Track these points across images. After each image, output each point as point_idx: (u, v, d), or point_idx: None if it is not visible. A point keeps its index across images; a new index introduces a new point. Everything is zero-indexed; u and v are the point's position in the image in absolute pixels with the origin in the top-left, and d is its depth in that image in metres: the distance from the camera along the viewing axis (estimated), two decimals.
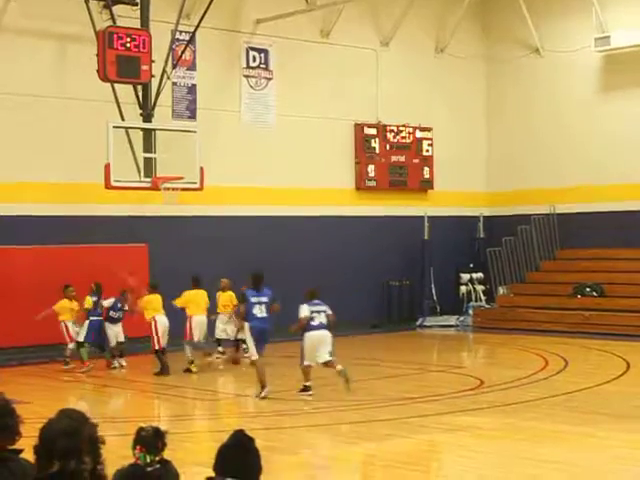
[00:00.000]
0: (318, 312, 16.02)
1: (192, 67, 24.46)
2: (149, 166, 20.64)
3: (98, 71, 19.74)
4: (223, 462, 5.11)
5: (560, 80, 28.35)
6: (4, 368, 19.57)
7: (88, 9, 20.75)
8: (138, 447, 5.86)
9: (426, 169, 28.66)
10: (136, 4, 21.21)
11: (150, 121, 21.01)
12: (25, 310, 20.24)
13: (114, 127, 19.72)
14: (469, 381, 17.62)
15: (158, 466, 6.25)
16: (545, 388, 16.76)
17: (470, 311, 28.19)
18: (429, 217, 28.07)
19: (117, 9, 21.13)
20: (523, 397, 15.80)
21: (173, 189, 20.34)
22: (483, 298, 28.82)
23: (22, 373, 19.40)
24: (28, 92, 21.73)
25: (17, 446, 5.07)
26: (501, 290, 28.52)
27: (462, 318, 28.04)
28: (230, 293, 20.87)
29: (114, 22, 20.64)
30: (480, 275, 28.97)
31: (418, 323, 27.94)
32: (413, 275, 28.08)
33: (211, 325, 20.43)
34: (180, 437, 12.26)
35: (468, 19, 28.94)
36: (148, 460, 6.08)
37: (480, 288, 28.95)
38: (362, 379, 17.19)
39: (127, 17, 21.04)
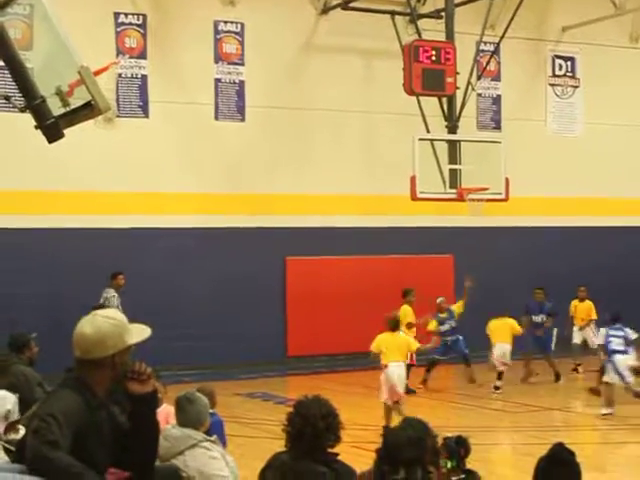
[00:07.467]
0: None
1: (497, 78, 24.36)
2: (454, 177, 20.60)
3: (404, 85, 19.97)
4: (543, 475, 4.98)
5: None
6: (316, 375, 20.24)
7: (394, 24, 21.21)
8: (442, 454, 5.87)
9: None
10: (440, 17, 21.36)
11: (455, 133, 21.00)
12: (336, 319, 21.26)
13: (420, 140, 19.85)
14: None
15: (463, 476, 6.19)
16: None
17: None
18: None
19: (422, 23, 21.41)
20: None
21: (478, 200, 20.21)
22: None
23: (330, 379, 19.89)
24: (336, 108, 22.46)
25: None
26: None
27: None
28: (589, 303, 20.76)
29: (419, 36, 20.88)
30: None
31: None
32: None
33: None
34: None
35: None
36: (449, 466, 6.05)
37: None
38: None
39: (432, 30, 21.18)
